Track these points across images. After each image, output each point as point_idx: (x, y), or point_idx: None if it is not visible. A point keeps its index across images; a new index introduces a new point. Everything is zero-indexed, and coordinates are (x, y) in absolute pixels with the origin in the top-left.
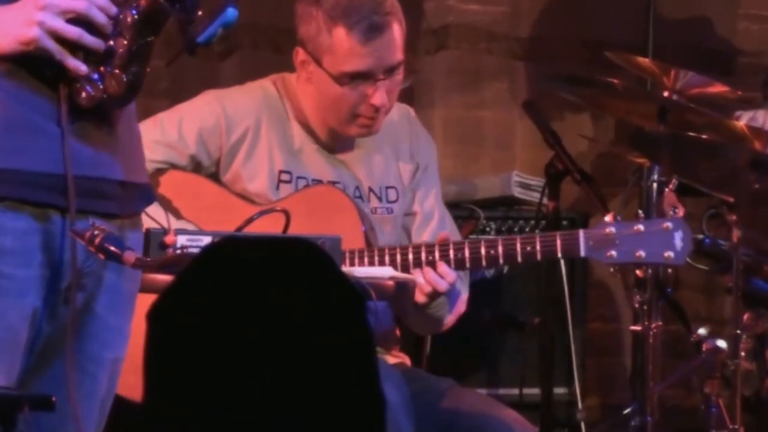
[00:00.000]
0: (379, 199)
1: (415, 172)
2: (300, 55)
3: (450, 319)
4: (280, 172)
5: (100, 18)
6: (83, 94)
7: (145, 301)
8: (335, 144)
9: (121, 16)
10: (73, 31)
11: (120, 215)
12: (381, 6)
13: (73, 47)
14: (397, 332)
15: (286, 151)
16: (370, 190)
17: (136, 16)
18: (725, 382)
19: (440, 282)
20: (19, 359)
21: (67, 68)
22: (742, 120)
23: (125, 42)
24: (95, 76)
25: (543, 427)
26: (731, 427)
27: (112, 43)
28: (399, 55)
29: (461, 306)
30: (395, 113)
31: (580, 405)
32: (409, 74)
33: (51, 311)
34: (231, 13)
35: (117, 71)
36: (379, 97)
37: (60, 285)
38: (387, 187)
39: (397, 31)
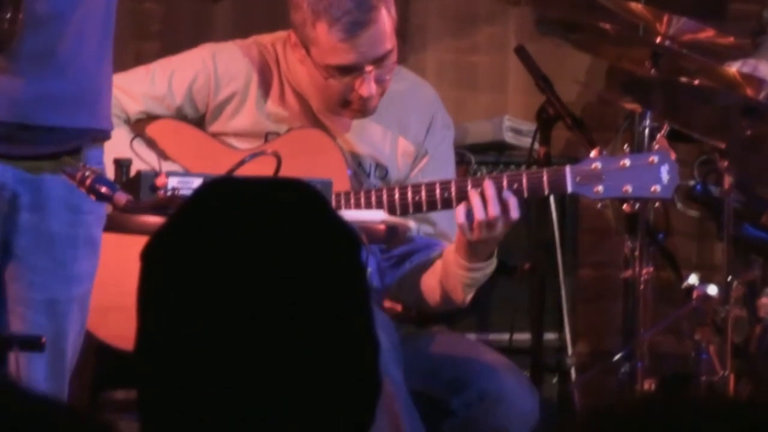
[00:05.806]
0: (367, 175)
1: (420, 156)
2: (292, 38)
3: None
4: (267, 134)
5: None
6: None
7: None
8: (329, 114)
9: None
10: None
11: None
12: None
13: None
14: None
15: (275, 115)
16: (359, 164)
17: None
18: (716, 328)
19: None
20: None
21: None
22: (732, 68)
23: None
24: None
25: (533, 372)
26: (721, 373)
27: None
28: (387, 45)
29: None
30: (411, 87)
31: (570, 351)
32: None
33: None
34: None
35: None
36: (366, 88)
37: None
38: (377, 165)
39: (384, 21)
